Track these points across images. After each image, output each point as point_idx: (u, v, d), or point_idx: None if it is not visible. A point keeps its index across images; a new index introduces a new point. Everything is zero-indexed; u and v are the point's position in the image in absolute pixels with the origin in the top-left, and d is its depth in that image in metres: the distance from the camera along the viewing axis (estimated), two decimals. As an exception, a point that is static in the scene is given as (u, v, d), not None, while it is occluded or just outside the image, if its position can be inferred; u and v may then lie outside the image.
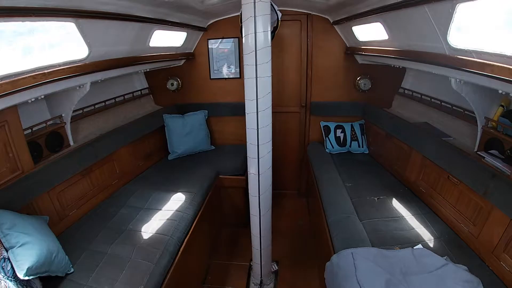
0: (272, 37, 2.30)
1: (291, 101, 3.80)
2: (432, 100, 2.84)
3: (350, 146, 3.49)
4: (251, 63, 1.96)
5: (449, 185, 2.24)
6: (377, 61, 3.12)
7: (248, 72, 2.00)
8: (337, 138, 3.49)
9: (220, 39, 3.63)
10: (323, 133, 3.58)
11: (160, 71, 3.69)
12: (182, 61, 3.78)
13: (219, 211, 3.41)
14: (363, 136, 3.50)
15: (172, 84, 3.85)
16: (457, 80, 1.97)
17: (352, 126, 3.51)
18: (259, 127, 2.09)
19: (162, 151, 3.59)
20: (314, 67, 3.62)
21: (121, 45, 2.45)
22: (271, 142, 2.19)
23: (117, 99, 3.22)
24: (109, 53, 2.35)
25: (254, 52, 1.92)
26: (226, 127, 3.91)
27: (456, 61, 1.72)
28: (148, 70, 3.43)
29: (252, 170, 2.25)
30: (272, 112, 2.12)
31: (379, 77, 3.55)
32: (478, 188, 1.93)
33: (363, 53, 3.09)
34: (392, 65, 2.87)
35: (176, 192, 2.75)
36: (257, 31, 1.90)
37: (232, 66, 3.68)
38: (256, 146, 2.14)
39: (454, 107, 2.58)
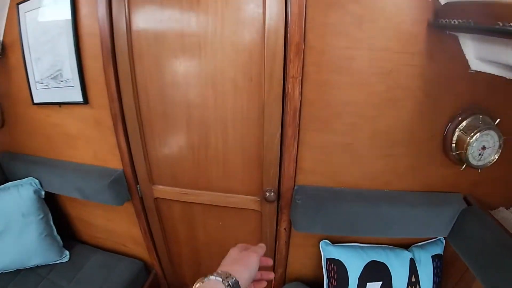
0: None
1: (236, 181, 1.30)
2: None
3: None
4: None
5: None
6: None
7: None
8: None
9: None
10: (325, 273, 1.27)
11: None
12: None
13: None
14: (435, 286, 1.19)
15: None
16: None
17: (412, 263, 1.16)
18: None
19: None
20: (308, 76, 1.02)
21: None
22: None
23: None
24: None
25: None
26: (91, 213, 1.63)
27: None
28: None
29: None
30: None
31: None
32: None
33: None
34: None
35: None
36: None
37: (66, 70, 1.28)
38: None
39: None
